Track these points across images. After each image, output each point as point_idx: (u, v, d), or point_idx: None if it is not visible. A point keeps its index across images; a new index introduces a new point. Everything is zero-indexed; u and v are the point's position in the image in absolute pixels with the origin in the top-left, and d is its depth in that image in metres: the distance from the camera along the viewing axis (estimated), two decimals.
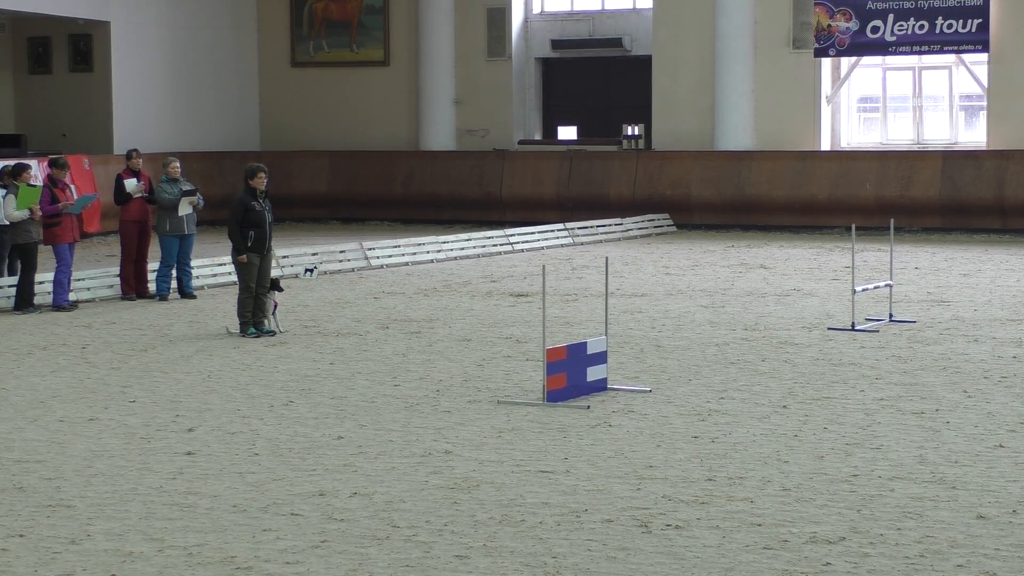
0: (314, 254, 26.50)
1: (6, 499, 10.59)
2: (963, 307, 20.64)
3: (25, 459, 11.86)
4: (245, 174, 19.02)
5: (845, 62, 35.54)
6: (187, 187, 22.22)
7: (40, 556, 9.18)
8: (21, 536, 9.63)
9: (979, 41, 33.80)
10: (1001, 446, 11.96)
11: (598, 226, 33.24)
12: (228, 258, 19.81)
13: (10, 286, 21.23)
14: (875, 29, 34.38)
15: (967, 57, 34.43)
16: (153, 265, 22.75)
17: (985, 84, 34.31)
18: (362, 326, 19.42)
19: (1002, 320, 19.34)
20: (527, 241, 31.13)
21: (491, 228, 32.22)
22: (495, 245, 30.35)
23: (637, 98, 37.06)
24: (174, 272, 22.39)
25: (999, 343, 17.37)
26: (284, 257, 24.65)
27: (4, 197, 21.38)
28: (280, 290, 19.02)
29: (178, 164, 22.70)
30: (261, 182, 18.79)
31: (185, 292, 22.38)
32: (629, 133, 36.82)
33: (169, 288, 22.33)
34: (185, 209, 22.04)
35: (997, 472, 11.06)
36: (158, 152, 31.13)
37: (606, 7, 38.06)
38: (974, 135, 35.00)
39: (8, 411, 13.88)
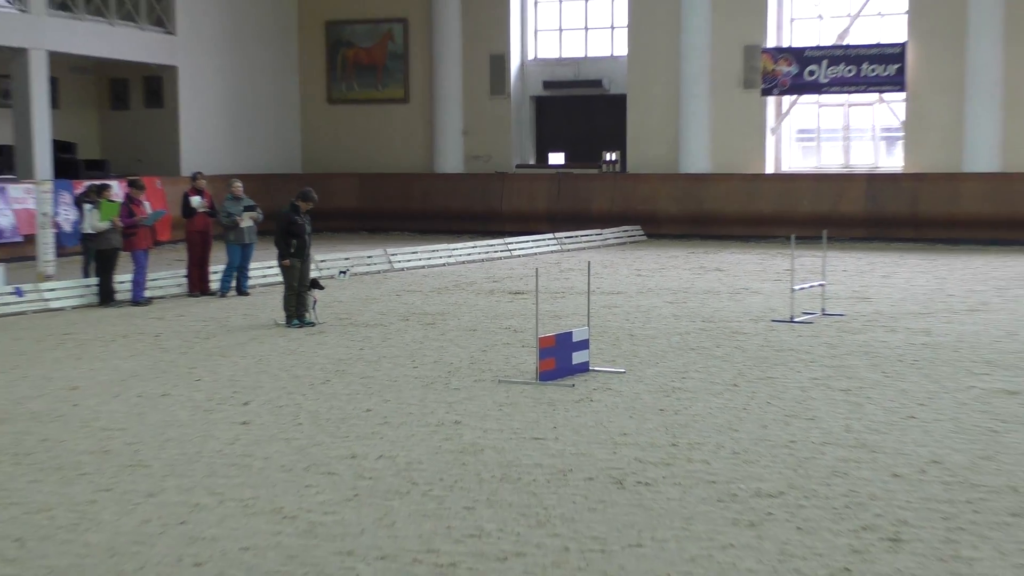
0: (346, 258, 26.54)
1: (95, 460, 10.67)
2: (882, 303, 20.67)
3: (110, 427, 11.92)
4: (298, 195, 19.00)
5: (787, 100, 35.58)
6: (248, 203, 22.26)
7: (123, 506, 9.26)
8: (107, 490, 9.71)
9: (897, 83, 33.88)
10: (912, 417, 12.01)
11: (582, 236, 33.22)
12: (275, 262, 19.85)
13: (95, 285, 21.36)
14: (811, 72, 34.45)
15: (887, 96, 34.49)
16: (216, 267, 22.85)
17: (902, 118, 34.36)
18: (386, 318, 19.46)
19: (915, 314, 19.37)
20: (523, 248, 31.10)
21: (493, 237, 32.17)
22: (496, 251, 30.33)
23: (614, 129, 37.03)
24: (234, 274, 22.55)
25: (912, 332, 17.40)
26: (322, 261, 24.67)
27: (90, 211, 21.55)
28: (321, 288, 19.05)
29: (240, 184, 22.69)
30: (307, 205, 18.83)
31: (241, 290, 22.43)
32: (607, 159, 36.89)
33: (229, 287, 22.40)
34: (247, 222, 22.08)
35: (909, 439, 11.12)
36: (217, 174, 31.28)
37: (589, 54, 38.06)
38: (893, 160, 35.02)
39: (96, 388, 13.94)
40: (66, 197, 28.67)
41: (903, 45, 33.82)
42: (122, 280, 21.52)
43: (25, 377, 14.71)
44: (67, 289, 21.50)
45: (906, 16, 34.16)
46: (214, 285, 22.68)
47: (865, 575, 7.65)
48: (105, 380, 14.45)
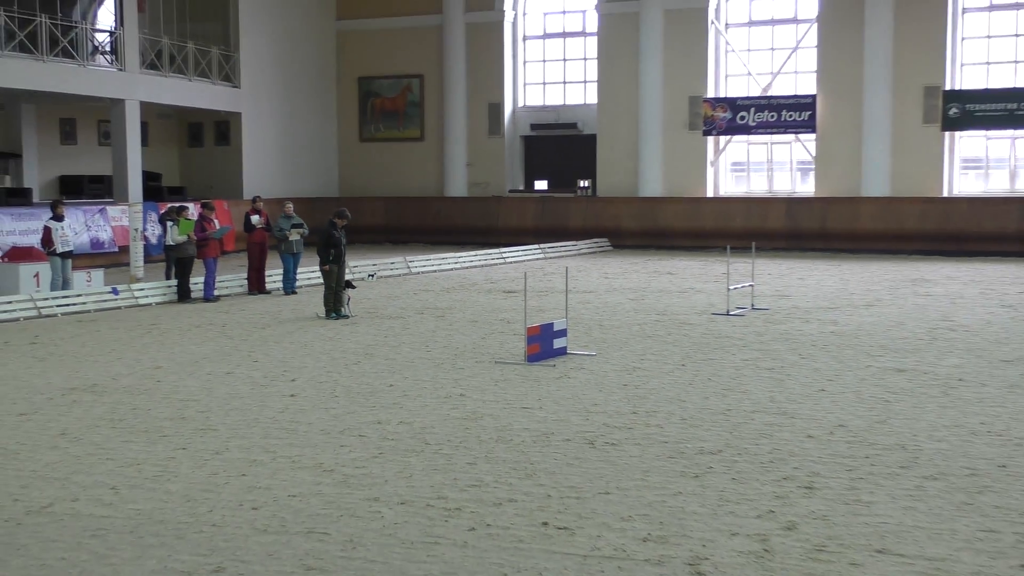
0: (374, 264, 26.49)
1: (173, 425, 10.64)
2: (799, 300, 20.68)
3: (186, 399, 11.90)
4: (336, 213, 18.99)
5: (723, 139, 35.55)
6: (296, 221, 22.24)
7: (195, 462, 9.24)
8: (183, 449, 9.69)
9: (809, 126, 33.86)
10: (823, 390, 12.01)
11: (561, 246, 33.19)
12: (317, 268, 19.81)
13: (174, 286, 21.34)
14: (742, 117, 34.41)
15: (802, 136, 34.48)
16: (271, 272, 22.84)
17: (813, 154, 34.37)
18: (405, 312, 19.43)
19: (824, 308, 19.38)
20: (514, 256, 31.07)
21: (491, 248, 32.13)
22: (493, 259, 30.27)
23: (587, 162, 36.98)
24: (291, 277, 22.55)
25: (822, 323, 17.42)
26: (354, 266, 24.62)
27: (172, 227, 21.60)
28: (353, 288, 19.04)
29: (291, 205, 22.74)
30: (342, 222, 18.85)
31: (288, 291, 22.43)
32: (582, 185, 36.84)
33: (290, 288, 22.39)
34: (295, 236, 22.05)
35: (820, 407, 11.11)
36: (272, 197, 31.36)
37: (566, 102, 37.96)
38: (806, 187, 35.00)
39: (175, 367, 13.92)
40: (152, 216, 28.78)
41: (814, 96, 33.81)
42: (196, 282, 21.48)
43: (120, 359, 14.68)
44: (152, 289, 21.47)
45: (815, 74, 34.16)
46: (269, 286, 22.64)
47: (786, 515, 7.63)
48: (182, 361, 14.43)
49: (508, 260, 30.55)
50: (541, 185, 37.90)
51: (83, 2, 35.39)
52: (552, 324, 14.55)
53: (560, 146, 37.90)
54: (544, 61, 38.45)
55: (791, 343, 15.38)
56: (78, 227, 27.41)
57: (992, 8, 32.68)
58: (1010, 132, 32.37)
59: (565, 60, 38.16)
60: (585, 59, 37.70)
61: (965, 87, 32.64)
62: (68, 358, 14.78)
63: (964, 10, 32.80)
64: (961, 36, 32.88)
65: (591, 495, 8.15)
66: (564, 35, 38.02)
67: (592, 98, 37.26)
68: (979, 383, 12.32)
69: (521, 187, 38.35)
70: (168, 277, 22.25)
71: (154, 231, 28.26)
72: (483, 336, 16.35)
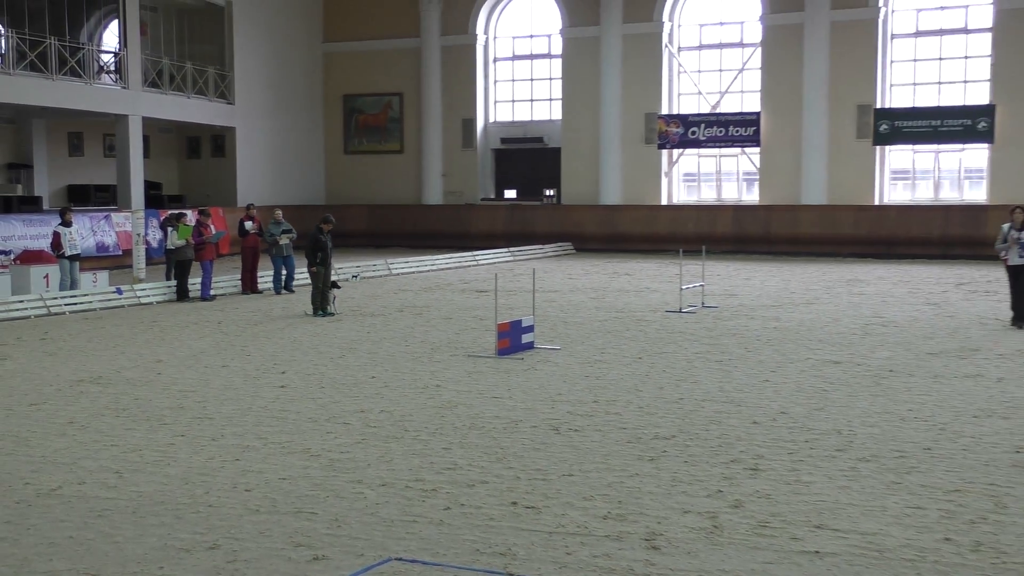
0: (357, 266, 26.38)
1: (173, 413, 10.57)
2: (745, 298, 20.74)
3: (184, 390, 11.82)
4: (322, 219, 18.97)
5: (676, 152, 35.61)
6: (286, 227, 22.16)
7: (193, 447, 9.18)
8: (182, 436, 9.62)
9: (754, 140, 33.98)
10: (767, 380, 12.05)
11: (528, 250, 33.13)
12: (305, 269, 19.71)
13: (174, 286, 21.20)
14: (693, 132, 34.49)
15: (747, 149, 34.59)
16: (263, 273, 22.71)
17: (758, 165, 34.51)
18: (386, 310, 19.37)
19: (767, 306, 19.45)
20: (486, 259, 31.00)
21: (464, 251, 32.06)
22: (466, 262, 30.19)
23: (552, 173, 36.96)
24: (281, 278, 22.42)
25: (766, 319, 17.48)
26: (340, 268, 24.46)
27: (171, 232, 21.50)
28: (339, 287, 18.98)
29: (280, 212, 22.77)
30: (328, 227, 18.79)
31: (289, 289, 22.23)
32: (547, 194, 36.79)
33: (280, 288, 22.26)
34: (284, 241, 21.95)
35: (764, 396, 11.15)
36: (264, 205, 31.20)
37: (534, 118, 37.89)
38: (752, 195, 35.12)
39: (174, 361, 13.82)
40: (154, 222, 28.60)
41: (758, 113, 33.92)
42: (193, 282, 21.34)
43: (123, 353, 14.57)
44: (154, 289, 21.32)
45: (759, 93, 34.28)
46: (261, 286, 22.52)
47: (733, 495, 7.65)
48: (181, 355, 14.34)
49: (480, 262, 30.49)
50: (510, 194, 37.86)
51: (90, 25, 35.16)
52: (520, 321, 14.54)
53: (528, 158, 37.87)
54: (513, 81, 38.40)
55: (738, 338, 15.43)
56: (85, 232, 27.25)
57: (918, 35, 32.93)
58: (934, 146, 32.64)
59: (532, 80, 38.13)
60: (551, 79, 37.68)
61: (894, 105, 32.87)
62: (75, 352, 14.66)
63: (893, 36, 33.06)
64: (890, 59, 33.10)
65: (556, 477, 8.14)
66: (531, 57, 37.99)
67: (557, 114, 37.28)
68: (907, 373, 12.40)
69: (492, 196, 38.28)
70: (168, 278, 22.09)
71: (155, 236, 28.08)
72: (457, 332, 16.32)
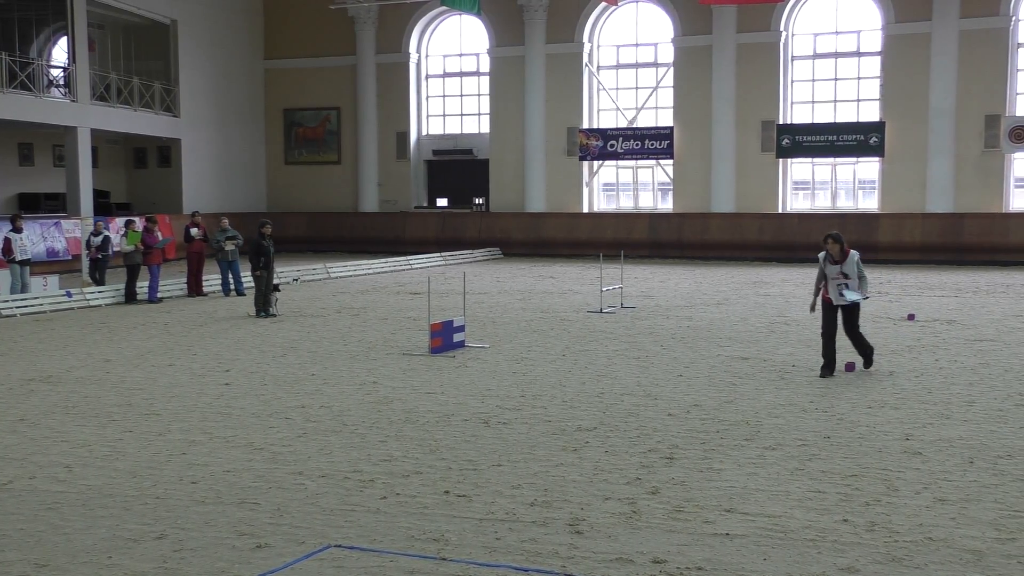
0: (297, 270, 26.14)
1: (121, 410, 10.35)
2: (661, 299, 20.91)
3: (132, 387, 11.59)
4: (259, 224, 18.82)
5: (596, 164, 35.83)
6: (231, 234, 21.96)
7: (141, 442, 8.99)
8: (130, 431, 9.42)
9: (668, 153, 34.32)
10: (680, 375, 12.15)
11: (459, 255, 33.09)
12: (249, 273, 19.49)
13: (122, 289, 20.81)
14: (612, 145, 34.75)
15: (662, 161, 34.93)
16: (208, 277, 22.40)
17: (671, 176, 34.84)
18: (325, 311, 19.20)
19: (681, 306, 19.63)
20: (419, 263, 30.88)
21: (399, 256, 31.95)
22: (401, 266, 30.03)
23: (481, 183, 36.98)
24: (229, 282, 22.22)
25: (680, 319, 17.63)
26: (281, 272, 24.26)
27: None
28: (280, 290, 18.80)
29: (226, 220, 22.71)
30: (268, 231, 18.62)
31: (239, 292, 21.98)
32: (476, 202, 36.81)
33: (228, 291, 22.08)
34: (229, 247, 21.77)
35: (679, 390, 11.23)
36: (209, 212, 30.78)
37: (463, 131, 37.91)
38: (666, 204, 35.45)
39: (121, 360, 13.55)
40: (116, 224, 28.07)
41: (671, 128, 34.27)
42: (141, 285, 20.97)
43: (73, 353, 14.25)
44: (102, 292, 20.90)
45: (672, 109, 34.63)
46: (206, 289, 22.26)
47: (651, 482, 7.69)
48: (129, 355, 14.06)
49: (414, 266, 30.35)
50: (442, 202, 37.81)
51: (39, 40, 34.42)
52: (452, 321, 14.50)
53: (458, 169, 37.82)
54: (444, 96, 38.34)
55: (654, 336, 15.54)
56: (35, 238, 26.63)
57: (816, 57, 33.54)
58: (831, 159, 33.28)
59: (462, 96, 38.10)
60: (479, 95, 37.69)
61: (795, 121, 33.45)
62: (26, 353, 14.30)
63: (794, 57, 33.64)
64: (791, 79, 33.68)
65: (486, 467, 8.12)
66: (461, 74, 37.96)
67: (485, 128, 37.31)
68: (808, 369, 12.57)
69: (425, 204, 38.17)
70: (100, 282, 21.87)
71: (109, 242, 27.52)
72: (392, 331, 16.22)
